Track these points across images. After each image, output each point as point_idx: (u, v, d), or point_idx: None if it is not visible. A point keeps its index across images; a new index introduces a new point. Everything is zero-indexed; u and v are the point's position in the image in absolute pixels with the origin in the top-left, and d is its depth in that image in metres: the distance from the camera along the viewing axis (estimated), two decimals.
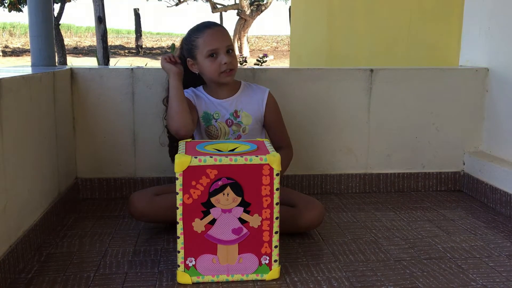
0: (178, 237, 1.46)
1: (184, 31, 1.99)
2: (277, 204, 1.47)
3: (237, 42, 16.14)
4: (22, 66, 2.46)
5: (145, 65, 10.04)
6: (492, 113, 2.39)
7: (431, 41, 3.22)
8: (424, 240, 1.83)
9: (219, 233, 1.47)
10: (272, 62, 14.78)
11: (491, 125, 2.40)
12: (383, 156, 2.42)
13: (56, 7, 10.32)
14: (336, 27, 4.64)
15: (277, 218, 1.48)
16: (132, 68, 2.25)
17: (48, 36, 2.25)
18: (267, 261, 1.50)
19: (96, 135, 2.26)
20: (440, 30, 3.12)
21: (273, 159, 1.45)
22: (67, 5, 10.88)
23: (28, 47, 5.99)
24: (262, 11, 16.09)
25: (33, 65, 2.25)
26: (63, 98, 2.10)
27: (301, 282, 1.50)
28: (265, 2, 16.12)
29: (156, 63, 13.64)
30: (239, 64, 2.28)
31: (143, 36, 20.33)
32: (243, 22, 16.24)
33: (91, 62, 12.85)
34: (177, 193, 1.43)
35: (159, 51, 18.32)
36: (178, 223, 1.45)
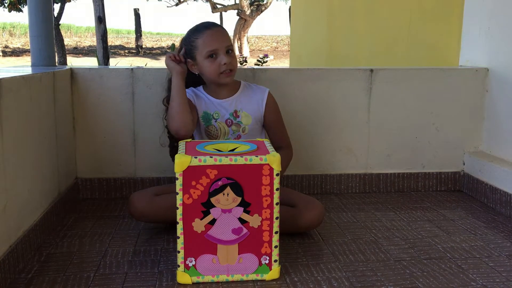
0: (178, 237, 1.46)
1: (184, 31, 1.98)
2: (277, 204, 1.47)
3: (237, 42, 16.14)
4: (22, 66, 2.46)
5: (145, 65, 10.05)
6: (492, 113, 2.39)
7: (431, 41, 3.22)
8: (424, 240, 1.83)
9: (219, 233, 1.47)
10: (272, 62, 14.78)
11: (491, 125, 2.40)
12: (383, 156, 2.42)
13: (56, 7, 10.32)
14: (336, 27, 4.64)
15: (277, 218, 1.48)
16: (132, 68, 2.26)
17: (48, 36, 2.25)
18: (267, 261, 1.50)
19: (96, 135, 2.26)
20: (440, 30, 3.12)
21: (273, 159, 1.45)
22: (67, 5, 10.89)
23: (28, 47, 5.99)
24: (262, 11, 16.09)
25: (33, 65, 2.25)
26: (63, 98, 2.10)
27: (301, 282, 1.50)
28: (265, 2, 16.12)
29: (156, 63, 13.67)
30: (239, 64, 2.27)
31: (143, 36, 20.32)
32: (243, 22, 16.23)
33: (91, 62, 12.86)
34: (177, 193, 1.43)
35: (159, 51, 18.32)
36: (178, 223, 1.45)
